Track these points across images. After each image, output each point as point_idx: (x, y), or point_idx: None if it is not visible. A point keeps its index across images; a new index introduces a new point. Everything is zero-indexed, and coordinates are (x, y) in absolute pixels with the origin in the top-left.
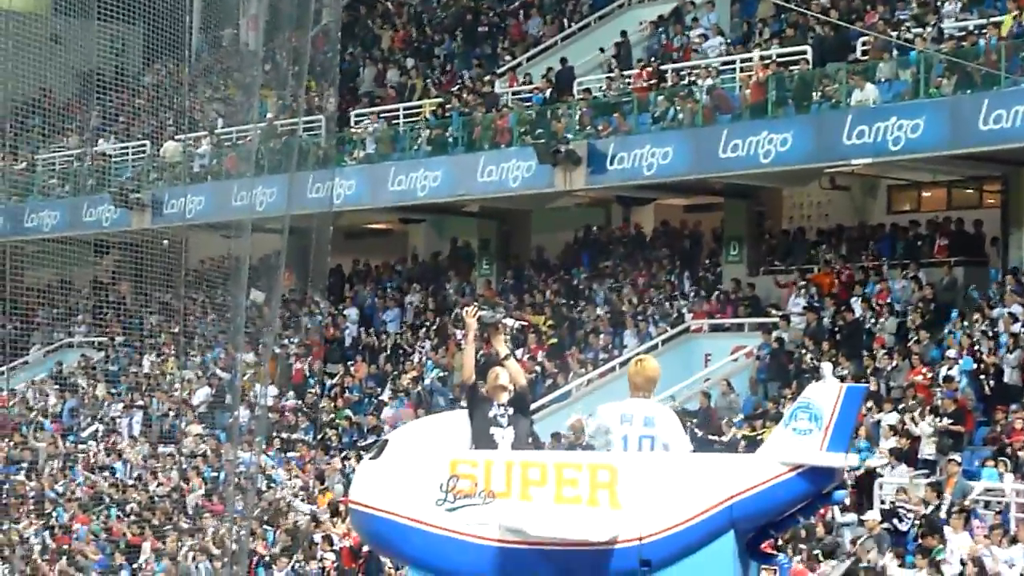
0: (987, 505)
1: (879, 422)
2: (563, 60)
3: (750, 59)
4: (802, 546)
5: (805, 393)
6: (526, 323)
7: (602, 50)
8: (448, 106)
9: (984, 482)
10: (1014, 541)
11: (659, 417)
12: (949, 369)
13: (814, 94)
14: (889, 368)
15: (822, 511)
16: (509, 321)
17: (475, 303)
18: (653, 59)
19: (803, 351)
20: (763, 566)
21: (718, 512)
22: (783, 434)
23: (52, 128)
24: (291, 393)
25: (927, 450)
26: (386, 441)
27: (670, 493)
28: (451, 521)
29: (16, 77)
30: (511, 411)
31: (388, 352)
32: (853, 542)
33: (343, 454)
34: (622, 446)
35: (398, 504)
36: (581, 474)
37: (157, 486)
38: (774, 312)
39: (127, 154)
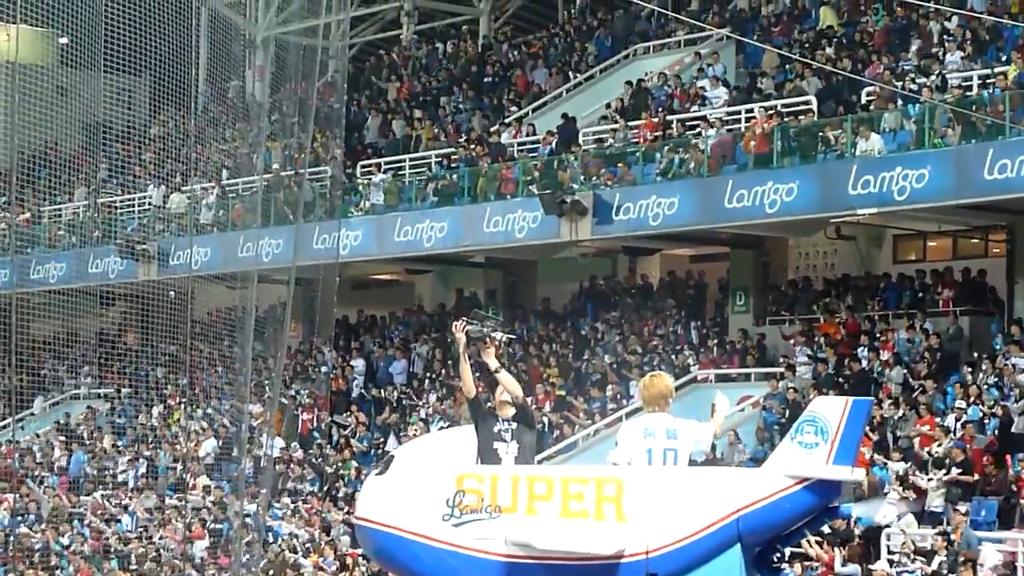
0: None
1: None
2: (564, 115)
3: (754, 109)
4: None
5: (811, 407)
6: (515, 336)
7: (608, 105)
8: (454, 157)
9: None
10: None
11: (681, 429)
12: (957, 419)
13: (819, 144)
14: (896, 418)
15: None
16: (497, 335)
17: (464, 318)
18: (660, 110)
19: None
20: None
21: (725, 525)
22: (789, 447)
23: (58, 179)
24: (297, 444)
25: (935, 502)
26: (392, 457)
27: (677, 506)
28: (457, 536)
29: (22, 129)
30: (515, 425)
31: (394, 404)
32: None
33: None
34: (647, 460)
35: (404, 519)
36: (587, 488)
37: (162, 539)
38: (781, 361)
39: (133, 205)
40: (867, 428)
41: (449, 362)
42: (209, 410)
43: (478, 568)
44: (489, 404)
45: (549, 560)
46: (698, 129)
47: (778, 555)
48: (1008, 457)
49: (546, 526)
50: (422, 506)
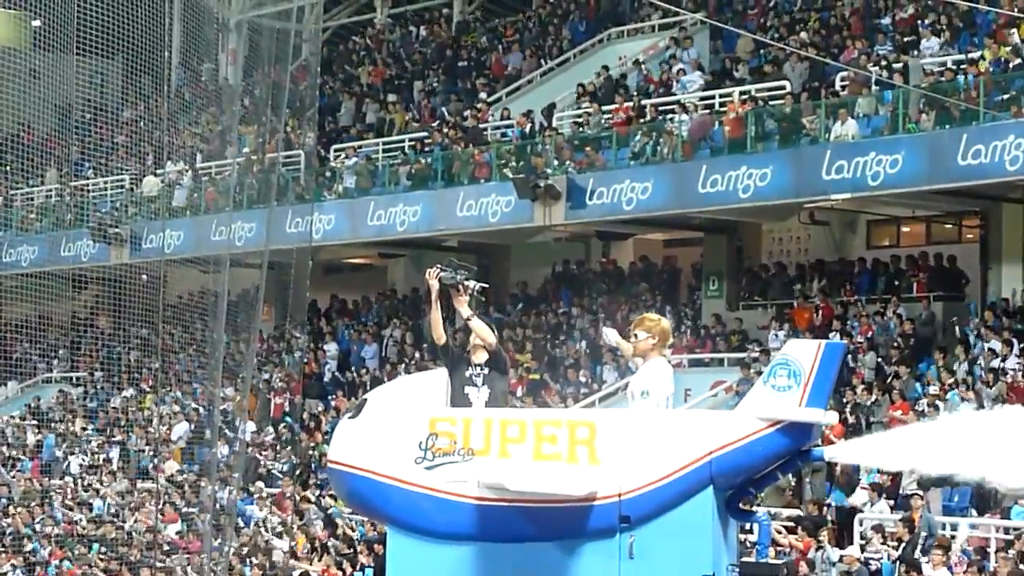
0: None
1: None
2: (551, 105)
3: (729, 94)
4: None
5: (784, 350)
6: (487, 285)
7: (582, 88)
8: (427, 141)
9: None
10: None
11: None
12: (929, 404)
13: (794, 130)
14: (869, 403)
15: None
16: (471, 283)
17: (438, 265)
18: (634, 94)
19: None
20: (742, 523)
21: (697, 468)
22: (762, 390)
23: (30, 162)
24: (270, 428)
25: (910, 487)
26: (365, 400)
27: (649, 449)
28: (430, 479)
29: None
30: (487, 371)
31: (367, 388)
32: None
33: (320, 490)
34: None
35: (377, 463)
36: (560, 430)
37: (135, 522)
38: (754, 347)
39: (106, 189)
40: (840, 413)
41: (424, 346)
42: (181, 394)
43: (451, 511)
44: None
45: (522, 502)
46: (672, 115)
47: (751, 497)
48: None
49: (519, 469)
50: (395, 449)
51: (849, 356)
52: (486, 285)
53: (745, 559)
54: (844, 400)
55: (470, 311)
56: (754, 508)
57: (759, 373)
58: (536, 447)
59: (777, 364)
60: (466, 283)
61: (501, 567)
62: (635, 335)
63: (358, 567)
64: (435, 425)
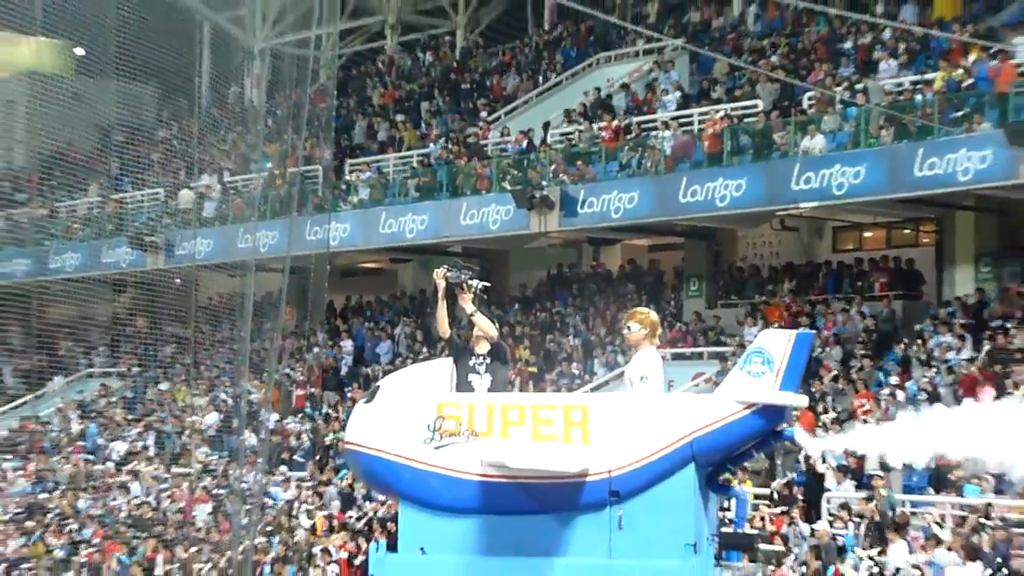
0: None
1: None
2: (546, 125)
3: (707, 113)
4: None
5: (758, 340)
6: (488, 284)
7: (572, 110)
8: (434, 156)
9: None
10: (948, 548)
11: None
12: (890, 394)
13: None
14: (835, 393)
15: (778, 524)
16: (474, 282)
17: (444, 265)
18: (622, 113)
19: None
20: (721, 497)
21: (680, 447)
22: (739, 376)
23: (74, 178)
24: (291, 417)
25: (871, 470)
26: (378, 387)
27: (636, 430)
28: (437, 458)
29: (42, 132)
30: (489, 360)
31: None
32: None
33: (338, 473)
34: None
35: (389, 443)
36: (555, 413)
37: (170, 502)
38: (731, 342)
39: (142, 201)
40: (810, 401)
41: (432, 341)
42: (211, 387)
43: (457, 487)
44: (464, 338)
45: (521, 479)
46: (655, 131)
47: (728, 473)
48: None
49: (518, 448)
50: (406, 431)
51: (817, 349)
52: (487, 284)
53: (724, 529)
54: (813, 389)
55: (473, 307)
56: (732, 483)
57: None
58: (534, 428)
59: (752, 352)
60: (469, 282)
61: (502, 537)
62: (628, 327)
63: (371, 542)
64: (442, 409)
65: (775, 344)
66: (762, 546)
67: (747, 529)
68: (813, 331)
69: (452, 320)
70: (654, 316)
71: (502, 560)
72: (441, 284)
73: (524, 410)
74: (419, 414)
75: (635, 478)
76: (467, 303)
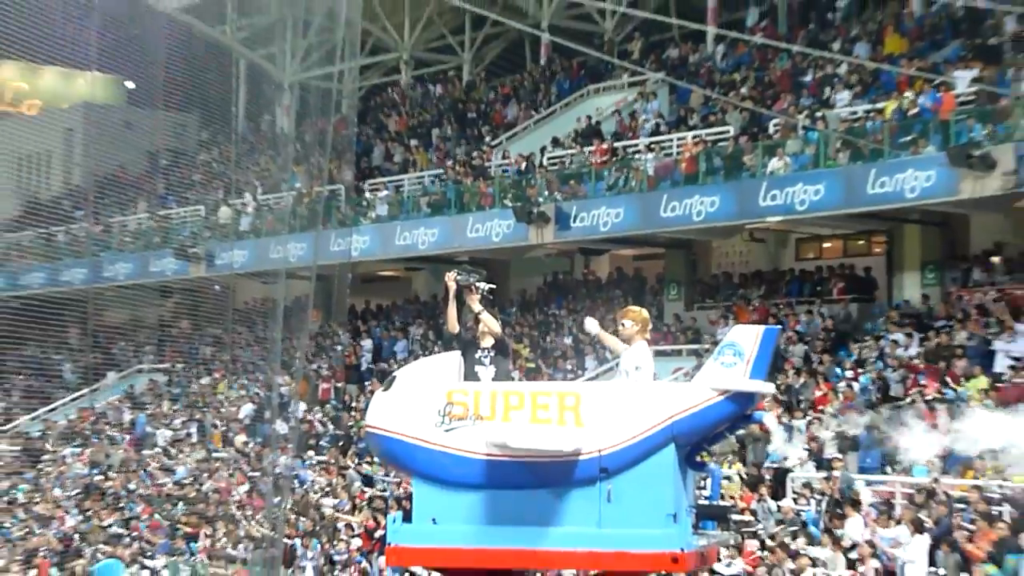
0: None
1: (791, 427)
2: (543, 148)
3: (684, 138)
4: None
5: (730, 335)
6: (495, 285)
7: (565, 137)
8: (443, 176)
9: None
10: (898, 522)
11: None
12: (847, 386)
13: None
14: (798, 385)
15: (748, 500)
16: (481, 284)
17: (455, 268)
18: (609, 138)
19: None
20: (698, 473)
21: (662, 429)
22: (713, 367)
23: (125, 196)
24: (318, 408)
25: (829, 450)
26: (395, 377)
27: (623, 414)
28: (447, 439)
29: (96, 156)
30: (493, 353)
31: None
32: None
33: (359, 458)
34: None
35: (405, 427)
36: (551, 399)
37: (210, 483)
38: (706, 340)
39: (186, 217)
40: (776, 393)
41: (442, 340)
42: (247, 381)
43: (464, 465)
44: (471, 334)
45: (521, 458)
46: (639, 154)
47: (704, 453)
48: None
49: (519, 430)
50: (419, 416)
51: (783, 347)
52: (494, 286)
53: (700, 502)
54: (778, 383)
55: (480, 306)
56: (707, 461)
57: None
58: (532, 413)
59: (725, 345)
60: (477, 284)
61: (505, 509)
62: (623, 323)
63: (389, 514)
64: (451, 396)
65: (745, 338)
66: (734, 517)
67: (721, 502)
68: (779, 327)
69: (460, 318)
70: (645, 314)
71: (504, 529)
72: (452, 286)
73: (524, 397)
74: (431, 401)
75: (622, 456)
76: (475, 303)
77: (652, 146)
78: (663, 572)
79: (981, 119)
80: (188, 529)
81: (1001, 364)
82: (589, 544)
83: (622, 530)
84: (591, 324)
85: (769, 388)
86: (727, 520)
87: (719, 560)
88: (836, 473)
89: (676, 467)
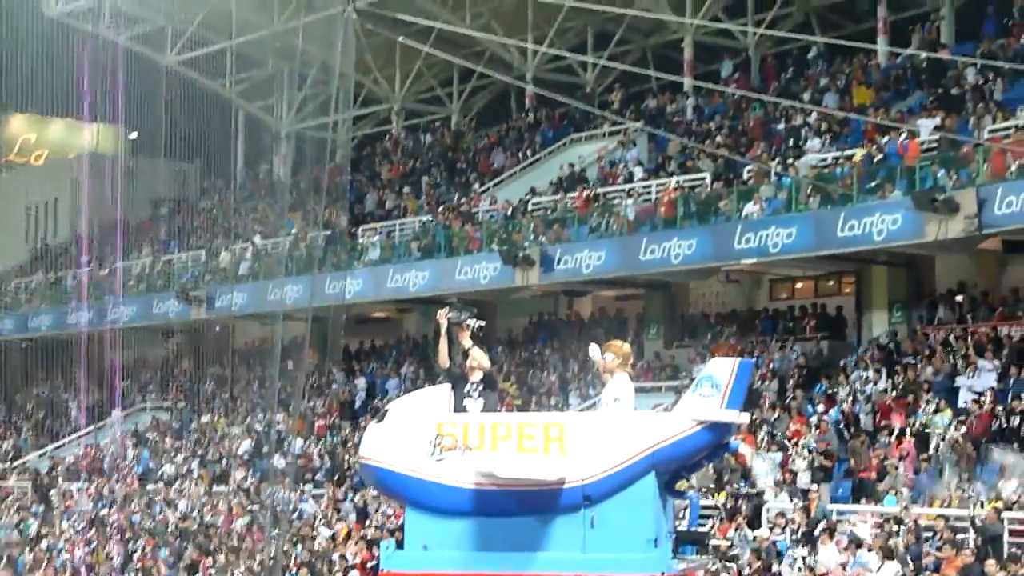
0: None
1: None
2: (532, 189)
3: (663, 183)
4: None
5: (707, 368)
6: (484, 323)
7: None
8: (433, 222)
9: (842, 505)
10: (869, 550)
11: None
12: (819, 420)
13: (712, 210)
14: (773, 419)
15: (724, 529)
16: (471, 321)
17: (447, 306)
18: (591, 184)
19: None
20: (678, 500)
21: (643, 458)
22: (691, 398)
23: (129, 242)
24: (314, 443)
25: (803, 481)
26: (387, 410)
27: (606, 443)
28: (438, 469)
29: (101, 204)
30: (481, 387)
31: None
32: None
33: (356, 491)
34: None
35: (397, 457)
36: (537, 430)
37: (211, 517)
38: (684, 376)
39: (187, 261)
40: (751, 426)
41: (438, 375)
42: (246, 418)
43: (454, 494)
44: (460, 369)
45: (508, 486)
46: (619, 199)
47: (683, 480)
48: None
49: (506, 460)
50: (411, 447)
51: (757, 383)
52: (483, 323)
53: (679, 528)
54: (754, 417)
55: (471, 342)
56: (686, 489)
57: None
58: (519, 443)
59: (703, 377)
60: (468, 321)
61: (493, 536)
62: (604, 356)
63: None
64: (441, 428)
65: (722, 371)
66: (711, 542)
67: (699, 528)
68: (753, 359)
69: (450, 353)
70: (627, 348)
71: (493, 555)
72: (443, 323)
73: (511, 428)
74: (422, 432)
75: (605, 484)
76: (465, 339)
77: (632, 192)
78: None
79: (944, 165)
80: (194, 558)
81: (964, 399)
82: (574, 568)
83: (605, 555)
84: (594, 351)
85: (744, 418)
86: (705, 545)
87: None
88: (813, 503)
89: (657, 494)
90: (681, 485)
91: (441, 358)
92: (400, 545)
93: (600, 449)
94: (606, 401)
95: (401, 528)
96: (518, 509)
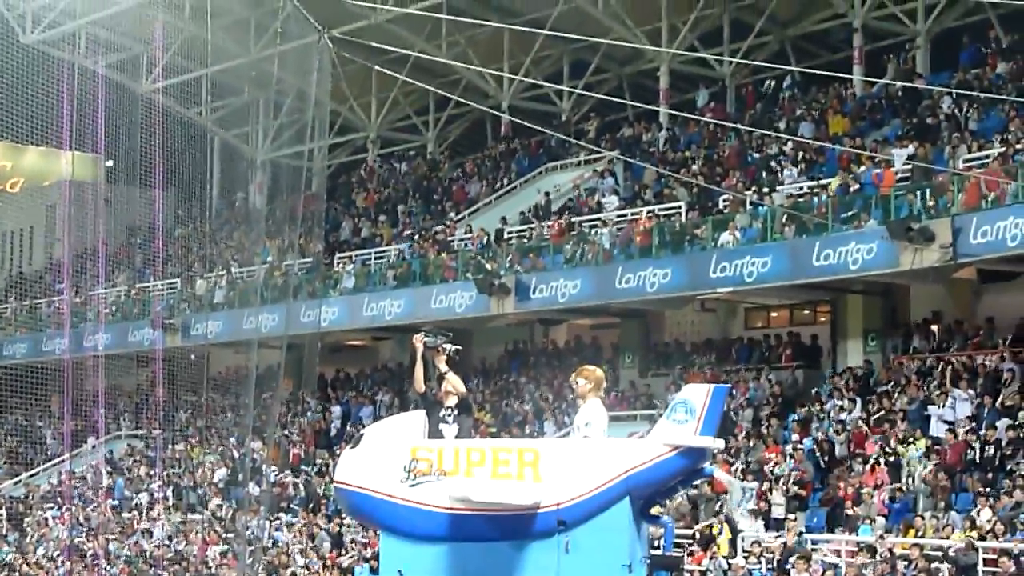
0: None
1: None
2: (502, 219)
3: (638, 212)
4: None
5: (681, 393)
6: (460, 348)
7: (523, 213)
8: (408, 251)
9: (815, 535)
10: None
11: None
12: (794, 448)
13: (687, 239)
14: (748, 447)
15: (699, 558)
16: (448, 346)
17: (422, 331)
18: (566, 212)
19: None
20: (652, 526)
21: (618, 483)
22: (666, 424)
23: (105, 270)
24: (289, 472)
25: (778, 512)
26: (362, 435)
27: (580, 469)
28: (412, 494)
29: (77, 231)
30: (456, 412)
31: None
32: None
33: (330, 520)
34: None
35: (372, 482)
36: (511, 455)
37: (186, 545)
38: (659, 405)
39: (163, 289)
40: (725, 456)
41: (412, 401)
42: (221, 446)
43: (429, 519)
44: (431, 395)
45: (483, 511)
46: (595, 228)
47: (658, 506)
48: (833, 476)
49: (480, 485)
50: (385, 472)
51: (732, 412)
52: (459, 347)
53: (654, 552)
54: (728, 444)
55: (446, 367)
56: (661, 515)
57: None
58: (493, 468)
59: (677, 403)
60: (444, 345)
61: (468, 561)
62: (576, 381)
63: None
64: (416, 452)
65: (696, 396)
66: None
67: (674, 552)
68: (728, 386)
69: (426, 378)
70: (599, 372)
71: None
72: (419, 348)
73: (485, 453)
74: (397, 457)
75: (579, 509)
76: (441, 363)
77: (607, 221)
78: None
79: (920, 195)
80: None
81: (937, 429)
82: None
83: None
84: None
85: (718, 444)
86: (680, 569)
87: None
88: (791, 533)
89: (631, 519)
90: (655, 510)
91: (417, 383)
92: (375, 571)
93: (575, 474)
94: (578, 425)
95: (376, 555)
96: (493, 534)
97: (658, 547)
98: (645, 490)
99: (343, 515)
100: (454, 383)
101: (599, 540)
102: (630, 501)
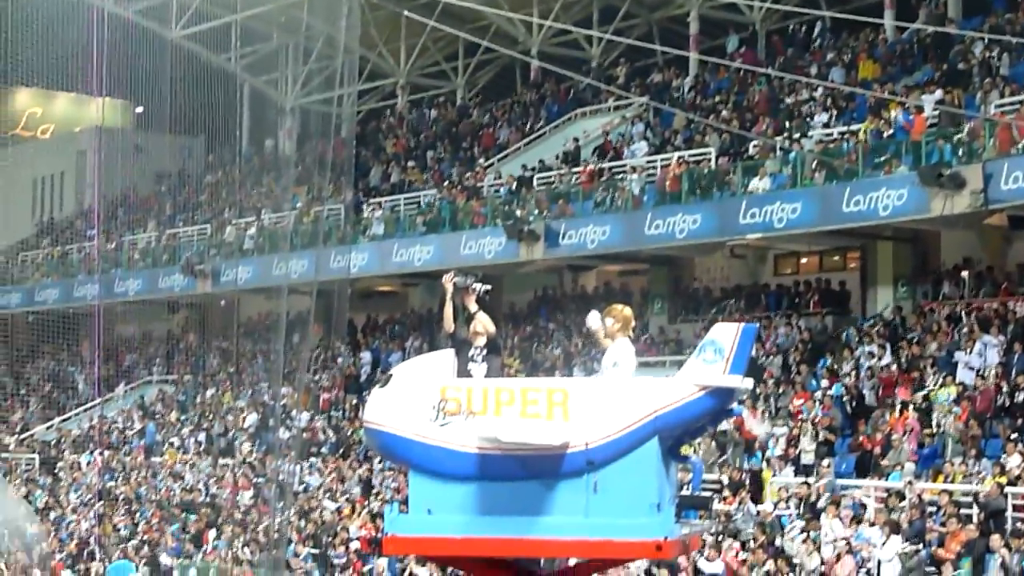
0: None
1: (772, 435)
2: (523, 167)
3: (668, 158)
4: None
5: (711, 333)
6: (490, 288)
7: (556, 156)
8: (438, 196)
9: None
10: (871, 524)
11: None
12: (823, 395)
13: (716, 185)
14: (777, 394)
15: (729, 502)
16: (478, 286)
17: (453, 270)
18: (596, 159)
19: None
20: (680, 465)
21: (646, 423)
22: (695, 363)
23: (135, 216)
24: (319, 417)
25: (807, 458)
26: (392, 375)
27: (609, 408)
28: (442, 434)
29: (108, 178)
30: (485, 351)
31: None
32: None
33: (361, 464)
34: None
35: (402, 422)
36: (541, 395)
37: (217, 489)
38: (688, 351)
39: (193, 236)
40: (756, 401)
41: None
42: (251, 392)
43: (458, 459)
44: (462, 335)
45: (512, 451)
46: (624, 174)
47: (686, 445)
48: (862, 422)
49: (509, 424)
50: (415, 411)
51: (762, 358)
52: (489, 287)
53: (682, 493)
54: (758, 392)
55: (476, 306)
56: (689, 453)
57: None
58: (522, 408)
59: (706, 343)
60: (474, 285)
61: (496, 500)
62: (605, 321)
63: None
64: (445, 392)
65: (725, 336)
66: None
67: (702, 492)
68: (757, 324)
69: (455, 319)
70: (628, 312)
71: (496, 519)
72: (449, 288)
73: (514, 393)
74: (426, 397)
75: (608, 449)
76: (471, 303)
77: (637, 167)
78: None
79: (950, 140)
80: (196, 531)
81: (965, 375)
82: (577, 533)
83: (608, 519)
84: (592, 320)
85: (748, 384)
86: (708, 509)
87: (701, 553)
88: (823, 480)
89: (659, 459)
90: (685, 450)
91: (446, 323)
92: (404, 509)
93: (603, 414)
94: (605, 366)
95: (405, 502)
96: (521, 473)
97: (687, 488)
98: (674, 430)
99: (372, 456)
100: (484, 323)
101: (628, 480)
102: (659, 440)
